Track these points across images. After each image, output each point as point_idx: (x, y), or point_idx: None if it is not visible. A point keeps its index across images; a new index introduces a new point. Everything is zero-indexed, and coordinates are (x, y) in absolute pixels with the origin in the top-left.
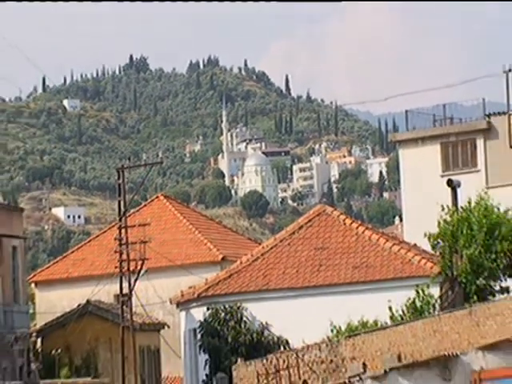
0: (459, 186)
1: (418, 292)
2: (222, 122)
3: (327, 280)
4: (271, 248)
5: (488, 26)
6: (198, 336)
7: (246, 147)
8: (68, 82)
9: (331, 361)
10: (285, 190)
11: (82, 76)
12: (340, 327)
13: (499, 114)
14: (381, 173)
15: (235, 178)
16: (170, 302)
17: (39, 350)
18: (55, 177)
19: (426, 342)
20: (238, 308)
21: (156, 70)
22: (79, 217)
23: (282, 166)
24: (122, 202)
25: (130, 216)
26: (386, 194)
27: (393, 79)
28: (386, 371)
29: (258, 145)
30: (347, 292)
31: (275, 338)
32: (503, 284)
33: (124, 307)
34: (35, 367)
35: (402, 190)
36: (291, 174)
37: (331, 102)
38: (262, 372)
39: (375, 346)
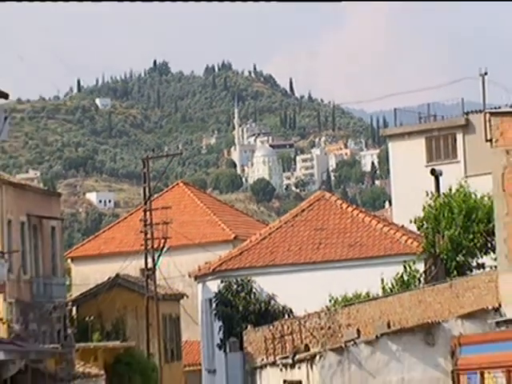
0: (441, 174)
1: (405, 267)
2: (234, 118)
3: (326, 257)
4: (277, 228)
5: (467, 33)
6: (213, 305)
7: (255, 140)
8: (100, 83)
9: (329, 327)
10: (289, 178)
11: (111, 78)
12: (337, 298)
13: (476, 112)
14: (373, 163)
15: (245, 168)
16: (189, 276)
17: (74, 317)
18: (88, 166)
19: (412, 311)
20: (248, 281)
21: (176, 72)
22: (109, 201)
23: (287, 157)
24: (146, 188)
25: (153, 200)
26: (377, 182)
27: (383, 81)
28: (377, 336)
29: (266, 138)
30: (343, 267)
31: (280, 308)
32: (479, 261)
33: (148, 280)
34: (71, 332)
35: (391, 178)
36: (294, 163)
37: (329, 102)
38: (269, 337)
39: (368, 315)
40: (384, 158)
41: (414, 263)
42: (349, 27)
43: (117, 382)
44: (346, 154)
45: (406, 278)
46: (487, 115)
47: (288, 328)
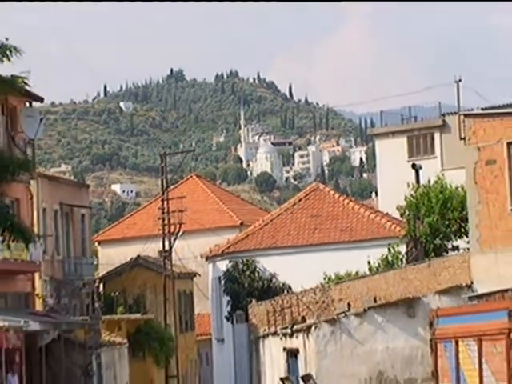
0: (421, 168)
1: (389, 249)
2: (240, 119)
3: (320, 240)
4: (277, 215)
5: (444, 43)
6: (222, 282)
7: (258, 139)
8: (123, 88)
9: (323, 301)
10: (288, 172)
11: (133, 84)
12: (330, 276)
13: (451, 114)
14: (361, 159)
15: (250, 163)
16: (201, 257)
17: (101, 292)
18: (113, 161)
19: (395, 288)
20: (253, 261)
21: (190, 79)
22: (131, 191)
23: (286, 153)
24: (164, 180)
25: (170, 191)
26: (365, 175)
27: (371, 86)
28: (365, 310)
29: (268, 137)
30: (336, 249)
31: (281, 284)
32: (454, 243)
33: (166, 260)
34: (98, 306)
35: (377, 171)
36: (293, 159)
37: (324, 105)
38: (271, 310)
39: (357, 291)
40: (371, 154)
41: (397, 246)
42: (340, 40)
43: (138, 349)
44: (338, 150)
45: (390, 258)
46: (461, 117)
47: (287, 302)
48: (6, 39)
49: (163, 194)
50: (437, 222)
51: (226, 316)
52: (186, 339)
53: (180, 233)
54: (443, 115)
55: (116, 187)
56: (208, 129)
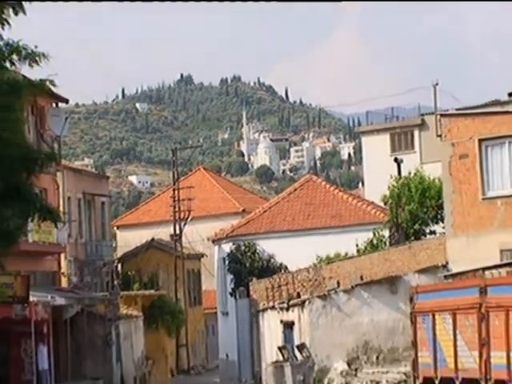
0: (402, 162)
1: (374, 233)
2: (242, 118)
3: (313, 225)
4: (275, 203)
5: (425, 50)
6: (226, 262)
7: (258, 136)
8: (139, 91)
9: (316, 279)
10: (284, 165)
11: (148, 87)
12: (322, 257)
13: (429, 114)
14: (349, 153)
15: (251, 157)
16: (208, 240)
17: (119, 271)
18: (130, 155)
19: (379, 267)
20: (253, 244)
21: (198, 83)
22: (146, 182)
23: (283, 148)
24: (175, 172)
25: (180, 181)
26: (352, 168)
27: (358, 89)
28: (352, 287)
29: (267, 134)
30: (327, 233)
31: (278, 264)
32: (432, 228)
33: (176, 243)
34: (116, 283)
35: (363, 164)
36: (289, 153)
37: (316, 105)
38: (269, 287)
39: (345, 270)
40: (358, 150)
41: (381, 230)
42: (330, 48)
43: (152, 321)
44: (329, 146)
45: (375, 241)
46: (438, 116)
47: (284, 280)
48: (35, 47)
49: (174, 184)
50: (416, 210)
51: (229, 292)
52: (195, 312)
53: (189, 218)
54: (422, 115)
55: (132, 178)
56: (214, 127)
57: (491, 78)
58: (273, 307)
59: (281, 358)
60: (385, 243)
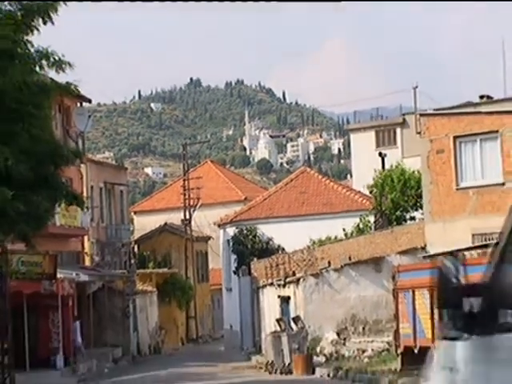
0: (385, 156)
1: (361, 219)
2: (244, 117)
3: (307, 211)
4: (274, 192)
5: (406, 57)
6: (230, 244)
7: (259, 132)
8: (153, 92)
9: (309, 259)
10: (282, 158)
11: (161, 89)
12: (315, 240)
13: (410, 113)
14: (339, 148)
15: (253, 151)
16: (214, 224)
17: (136, 252)
18: (146, 149)
19: (365, 249)
20: (254, 228)
21: (206, 86)
22: (160, 173)
23: (281, 143)
24: (185, 165)
25: (190, 173)
26: (342, 161)
27: (347, 92)
28: (341, 266)
29: (266, 131)
30: (319, 219)
31: (276, 246)
32: (412, 215)
33: (186, 227)
34: (133, 262)
35: (351, 158)
36: (286, 148)
37: (310, 106)
38: (268, 266)
39: (335, 251)
40: (347, 145)
41: (367, 216)
42: (322, 55)
43: (164, 296)
44: (321, 142)
45: (361, 226)
46: (417, 116)
47: (281, 260)
48: (63, 55)
49: (184, 175)
50: (398, 198)
51: (233, 270)
52: (202, 288)
53: (197, 205)
54: (403, 115)
55: (148, 170)
56: (219, 124)
57: (465, 82)
58: (271, 284)
59: (278, 329)
60: (370, 228)
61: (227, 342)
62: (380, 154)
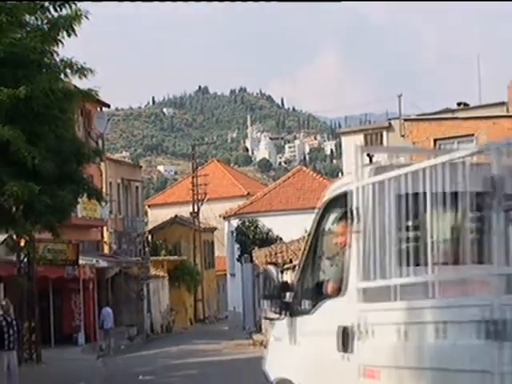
0: (373, 156)
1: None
2: (247, 121)
3: (303, 206)
4: (273, 188)
5: (392, 66)
6: (234, 235)
7: (260, 135)
8: (166, 98)
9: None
10: (280, 158)
11: (173, 95)
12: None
13: (395, 118)
14: (331, 149)
15: (254, 151)
16: (219, 216)
17: (149, 241)
18: (159, 149)
19: None
20: (255, 220)
21: (213, 93)
22: (171, 171)
23: (279, 145)
24: (194, 163)
25: (198, 170)
26: (334, 161)
27: (339, 99)
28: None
29: (267, 134)
30: (314, 212)
31: (275, 236)
32: None
33: (195, 219)
34: (147, 250)
35: (343, 159)
36: (284, 149)
37: (306, 111)
38: (268, 254)
39: None
40: (338, 146)
41: None
42: (317, 64)
43: (175, 280)
44: (316, 143)
45: None
46: (402, 121)
47: (279, 249)
48: (85, 63)
49: (193, 172)
50: None
51: (236, 258)
52: (209, 274)
53: (205, 200)
54: (389, 119)
55: (160, 168)
56: (225, 127)
57: (445, 90)
58: None
59: None
60: None
61: (231, 322)
62: (368, 155)
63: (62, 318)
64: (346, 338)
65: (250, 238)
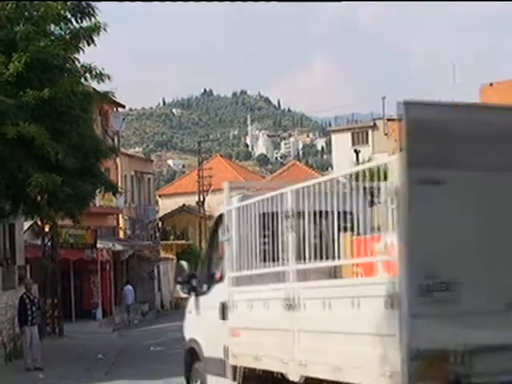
0: (360, 152)
1: None
2: (247, 120)
3: None
4: (270, 180)
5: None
6: None
7: (258, 133)
8: (175, 100)
9: None
10: (277, 153)
11: (181, 97)
12: None
13: (379, 118)
14: (322, 146)
15: (254, 148)
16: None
17: (160, 227)
18: (168, 145)
19: None
20: None
21: (216, 95)
22: (180, 164)
23: (276, 142)
24: (200, 158)
25: (203, 164)
26: (325, 156)
27: (329, 100)
28: None
29: (265, 132)
30: None
31: None
32: None
33: (200, 208)
34: (158, 235)
35: (333, 154)
36: (280, 146)
37: (299, 111)
38: None
39: None
40: (329, 143)
41: None
42: (310, 69)
43: None
44: (308, 140)
45: None
46: (385, 120)
47: None
48: (103, 69)
49: (199, 166)
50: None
51: None
52: None
53: (210, 190)
54: (374, 119)
55: (170, 162)
56: (227, 126)
57: (423, 91)
58: None
59: None
60: None
61: None
62: (355, 151)
63: (82, 295)
64: (223, 310)
65: None
